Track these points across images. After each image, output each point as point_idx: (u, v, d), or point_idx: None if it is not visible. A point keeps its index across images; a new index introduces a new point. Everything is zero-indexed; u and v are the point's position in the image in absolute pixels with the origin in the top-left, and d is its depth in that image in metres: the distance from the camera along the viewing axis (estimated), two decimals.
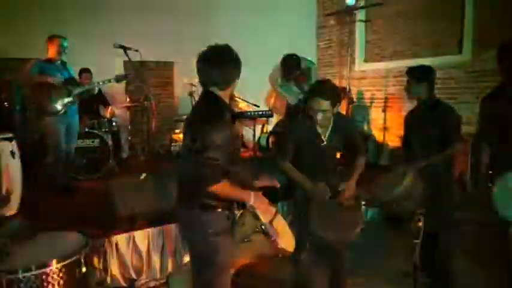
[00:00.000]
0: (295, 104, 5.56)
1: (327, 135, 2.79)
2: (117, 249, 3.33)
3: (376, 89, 7.11)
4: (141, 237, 3.42)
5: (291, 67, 5.17)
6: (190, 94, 6.21)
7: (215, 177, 2.01)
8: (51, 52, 4.41)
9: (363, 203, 2.76)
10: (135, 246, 3.40)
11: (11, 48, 5.44)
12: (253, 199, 2.15)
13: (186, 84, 6.26)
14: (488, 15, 5.36)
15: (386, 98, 6.89)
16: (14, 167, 3.58)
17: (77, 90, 4.47)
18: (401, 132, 3.53)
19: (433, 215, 2.71)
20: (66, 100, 4.35)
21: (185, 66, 6.43)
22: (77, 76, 5.22)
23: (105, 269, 3.26)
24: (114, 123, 5.82)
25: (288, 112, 5.93)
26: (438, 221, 3.00)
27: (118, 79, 4.81)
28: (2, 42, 5.41)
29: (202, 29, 6.47)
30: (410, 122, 3.33)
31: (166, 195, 3.51)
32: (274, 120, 6.59)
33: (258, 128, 6.54)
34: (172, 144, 6.20)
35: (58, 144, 4.41)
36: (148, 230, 3.46)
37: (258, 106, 6.27)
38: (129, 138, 6.37)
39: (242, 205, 2.27)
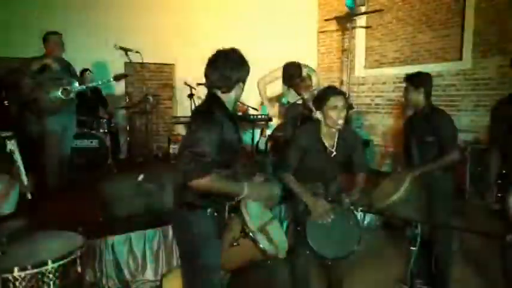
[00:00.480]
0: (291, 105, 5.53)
1: (334, 146, 2.76)
2: (113, 250, 3.32)
3: (376, 95, 7.13)
4: (138, 238, 3.42)
5: (292, 75, 5.17)
6: (190, 96, 6.22)
7: (199, 172, 1.96)
8: (49, 50, 4.41)
9: (360, 209, 2.75)
10: (131, 247, 3.39)
11: (7, 48, 5.46)
12: (247, 189, 2.12)
13: (186, 85, 6.27)
14: (489, 22, 5.39)
15: (386, 104, 6.92)
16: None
17: (76, 89, 4.47)
18: (400, 138, 3.53)
19: (430, 222, 2.71)
20: (65, 99, 4.36)
21: (185, 68, 6.47)
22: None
23: (101, 269, 3.26)
24: (113, 124, 5.82)
25: (289, 117, 5.93)
26: (435, 228, 3.00)
27: (116, 78, 4.81)
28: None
29: (203, 32, 6.50)
30: (409, 128, 3.32)
31: (164, 196, 3.50)
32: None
33: (257, 131, 6.55)
34: (171, 145, 6.20)
35: (55, 144, 4.41)
36: (144, 231, 3.45)
37: (258, 110, 6.28)
38: (128, 139, 6.37)
39: (233, 208, 2.23)
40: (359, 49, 7.49)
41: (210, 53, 2.15)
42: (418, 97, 3.11)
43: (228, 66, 2.10)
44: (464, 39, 5.73)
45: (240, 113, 6.20)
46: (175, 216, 2.26)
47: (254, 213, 2.20)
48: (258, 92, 5.17)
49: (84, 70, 5.64)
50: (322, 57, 8.26)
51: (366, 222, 4.44)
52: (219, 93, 2.15)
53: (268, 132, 6.62)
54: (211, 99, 2.17)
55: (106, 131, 5.54)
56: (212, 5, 7.02)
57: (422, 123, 3.12)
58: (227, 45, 2.18)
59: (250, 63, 2.19)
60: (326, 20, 7.63)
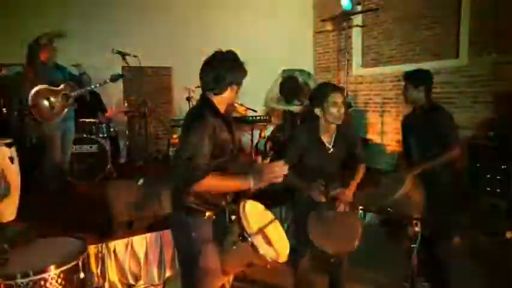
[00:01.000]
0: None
1: (331, 142, 2.77)
2: (115, 255, 3.32)
3: (374, 93, 7.14)
4: (139, 242, 3.42)
5: (290, 91, 5.22)
6: (188, 99, 6.23)
7: (195, 177, 1.96)
8: (43, 55, 4.39)
9: (360, 207, 2.75)
10: (133, 251, 3.39)
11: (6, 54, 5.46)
12: (253, 182, 2.04)
13: (184, 89, 6.27)
14: (485, 20, 5.40)
15: (383, 103, 6.93)
16: (13, 173, 3.57)
17: (75, 93, 4.48)
18: (399, 136, 3.53)
19: (430, 219, 2.71)
20: (65, 104, 4.36)
21: (183, 71, 6.47)
22: None
23: (103, 274, 3.25)
24: (112, 129, 5.82)
25: (287, 118, 5.95)
26: (436, 225, 3.00)
27: (113, 79, 4.80)
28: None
29: (200, 35, 6.51)
30: (407, 126, 3.32)
31: (164, 200, 3.51)
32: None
33: (256, 132, 6.56)
34: (170, 148, 6.20)
35: (55, 149, 4.41)
36: (146, 235, 3.46)
37: (256, 111, 6.29)
38: (127, 143, 6.37)
39: (233, 212, 2.19)
40: (356, 48, 7.51)
41: (206, 55, 2.15)
42: (418, 95, 3.11)
43: (223, 66, 2.10)
44: (460, 36, 5.74)
45: (237, 115, 6.21)
46: (174, 220, 2.27)
47: (253, 215, 2.18)
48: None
49: (81, 74, 5.62)
50: (319, 57, 8.28)
51: (366, 220, 4.45)
52: (211, 95, 2.14)
53: (267, 133, 6.66)
54: (203, 102, 2.17)
55: (105, 135, 5.55)
56: (208, 6, 7.03)
57: (422, 120, 3.11)
58: (224, 47, 2.17)
59: (248, 64, 2.19)
60: (322, 20, 7.64)
